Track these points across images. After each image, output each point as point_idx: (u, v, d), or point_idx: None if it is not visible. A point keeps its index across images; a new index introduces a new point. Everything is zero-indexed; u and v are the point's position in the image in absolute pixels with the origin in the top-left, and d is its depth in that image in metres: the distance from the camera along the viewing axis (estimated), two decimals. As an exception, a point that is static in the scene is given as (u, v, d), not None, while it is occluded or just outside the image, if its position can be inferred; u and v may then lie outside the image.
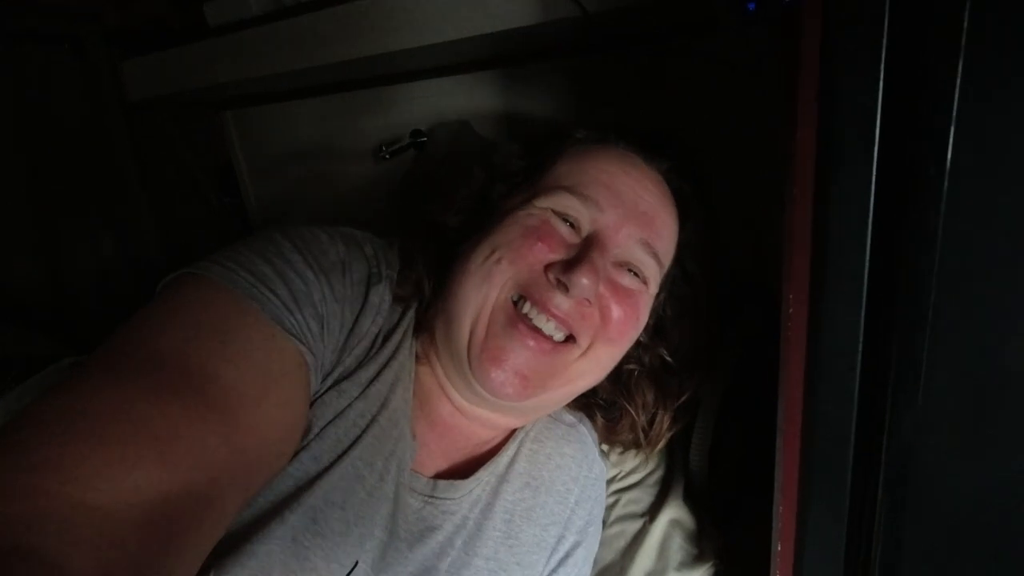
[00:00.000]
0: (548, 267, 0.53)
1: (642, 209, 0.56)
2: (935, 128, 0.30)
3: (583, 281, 0.51)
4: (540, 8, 0.69)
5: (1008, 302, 0.32)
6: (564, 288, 0.51)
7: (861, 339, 0.35)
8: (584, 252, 0.52)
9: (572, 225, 0.55)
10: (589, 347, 0.54)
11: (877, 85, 0.31)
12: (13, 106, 1.10)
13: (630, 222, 0.55)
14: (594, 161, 0.58)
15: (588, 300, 0.52)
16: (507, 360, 0.51)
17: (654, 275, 0.57)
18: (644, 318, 0.58)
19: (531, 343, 0.51)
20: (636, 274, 0.56)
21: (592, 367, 0.56)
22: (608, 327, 0.54)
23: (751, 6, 0.57)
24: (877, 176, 0.32)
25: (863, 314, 0.34)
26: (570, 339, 0.53)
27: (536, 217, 0.55)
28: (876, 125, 0.31)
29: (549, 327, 0.52)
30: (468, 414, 0.59)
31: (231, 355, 0.42)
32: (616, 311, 0.54)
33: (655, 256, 0.56)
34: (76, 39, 1.16)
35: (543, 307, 0.51)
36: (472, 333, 0.53)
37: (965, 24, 0.28)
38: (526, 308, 0.52)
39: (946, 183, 0.31)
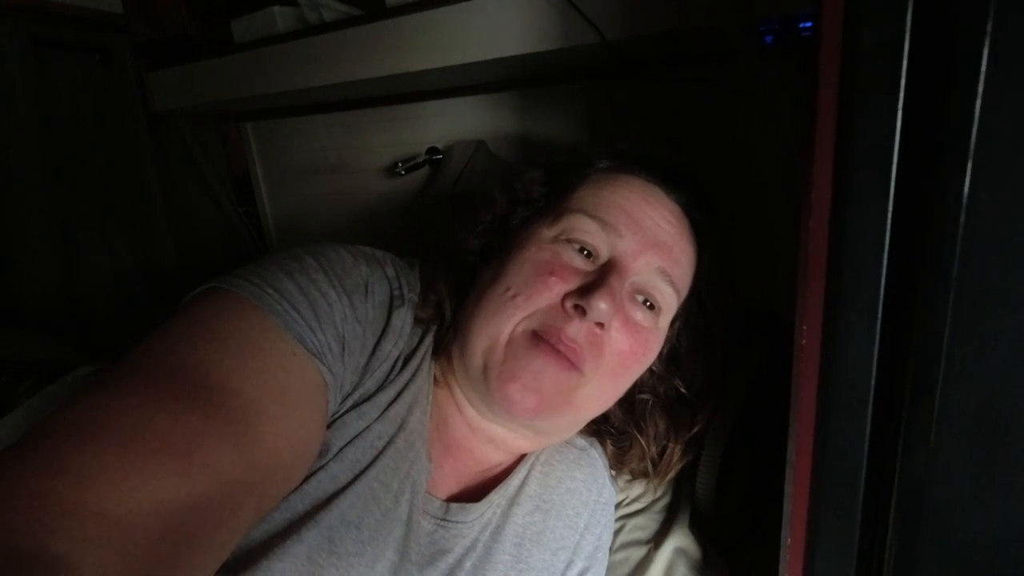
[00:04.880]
0: (565, 297, 0.52)
1: (661, 238, 0.56)
2: (953, 163, 0.30)
3: (601, 305, 0.50)
4: (561, 34, 0.70)
5: (1024, 341, 0.32)
6: (581, 312, 0.51)
7: (874, 374, 0.35)
8: (602, 277, 0.52)
9: (588, 254, 0.55)
10: (594, 378, 0.54)
11: (895, 118, 0.31)
12: (40, 112, 1.12)
13: (649, 250, 0.55)
14: (615, 188, 0.58)
15: (602, 325, 0.52)
16: (524, 378, 0.51)
17: (670, 305, 0.57)
18: (652, 353, 0.58)
19: (550, 359, 0.51)
20: (651, 306, 0.56)
21: (598, 397, 0.56)
22: (613, 360, 0.54)
23: (768, 39, 0.58)
24: (893, 210, 0.32)
25: (876, 349, 0.34)
26: (575, 365, 0.53)
27: (548, 251, 0.55)
28: (894, 158, 0.32)
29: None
30: (482, 435, 0.58)
31: (252, 371, 0.42)
32: (623, 344, 0.54)
33: (672, 285, 0.56)
34: (105, 50, 1.19)
35: (557, 339, 0.51)
36: (487, 361, 0.53)
37: (985, 55, 0.29)
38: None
39: (963, 218, 0.30)
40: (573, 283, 0.53)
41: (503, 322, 0.53)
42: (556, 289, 0.53)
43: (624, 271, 0.54)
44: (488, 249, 0.61)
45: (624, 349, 0.54)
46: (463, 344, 0.55)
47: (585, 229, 0.55)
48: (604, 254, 0.55)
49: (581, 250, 0.55)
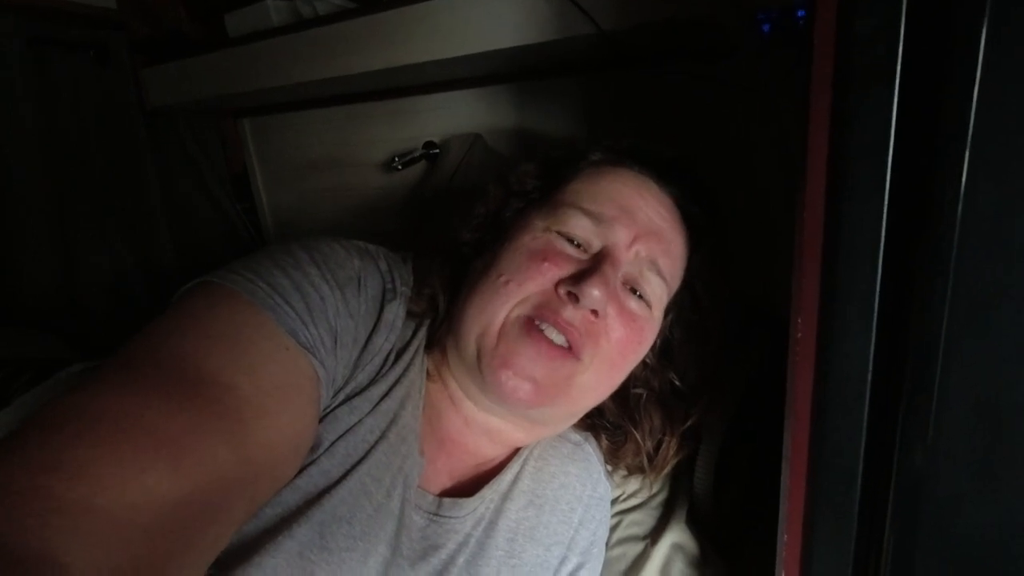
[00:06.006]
0: (558, 284, 0.53)
1: (653, 229, 0.56)
2: (951, 154, 0.30)
3: (594, 292, 0.50)
4: (557, 24, 0.70)
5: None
6: (575, 299, 0.51)
7: (871, 367, 0.34)
8: (595, 265, 0.53)
9: (579, 245, 0.55)
10: (591, 365, 0.54)
11: (891, 108, 0.30)
12: (39, 112, 1.12)
13: (640, 240, 0.55)
14: (608, 182, 0.58)
15: (596, 312, 0.52)
16: (517, 364, 0.51)
17: (661, 297, 0.57)
18: (647, 343, 0.58)
19: (543, 347, 0.51)
20: (643, 298, 0.56)
21: (595, 385, 0.56)
22: (611, 347, 0.54)
23: (765, 28, 0.57)
24: (889, 202, 0.31)
25: (873, 341, 0.34)
26: (573, 352, 0.53)
27: (541, 240, 0.55)
28: (889, 150, 0.31)
29: (560, 339, 0.52)
30: (477, 428, 0.58)
31: (245, 365, 0.42)
32: (619, 332, 0.54)
33: (663, 277, 0.56)
34: (101, 47, 1.18)
35: (553, 320, 0.51)
36: (480, 347, 0.53)
37: (983, 46, 0.28)
38: (538, 322, 0.52)
39: (960, 210, 0.30)
40: (566, 270, 0.53)
41: (496, 309, 0.53)
42: (549, 275, 0.53)
43: (616, 261, 0.54)
44: (482, 242, 0.61)
45: (621, 337, 0.54)
46: (457, 333, 0.55)
47: (577, 223, 0.55)
48: (596, 244, 0.55)
49: (573, 242, 0.55)
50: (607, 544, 0.66)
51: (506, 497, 0.58)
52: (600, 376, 0.55)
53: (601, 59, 0.86)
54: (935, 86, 0.29)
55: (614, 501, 0.69)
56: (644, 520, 0.68)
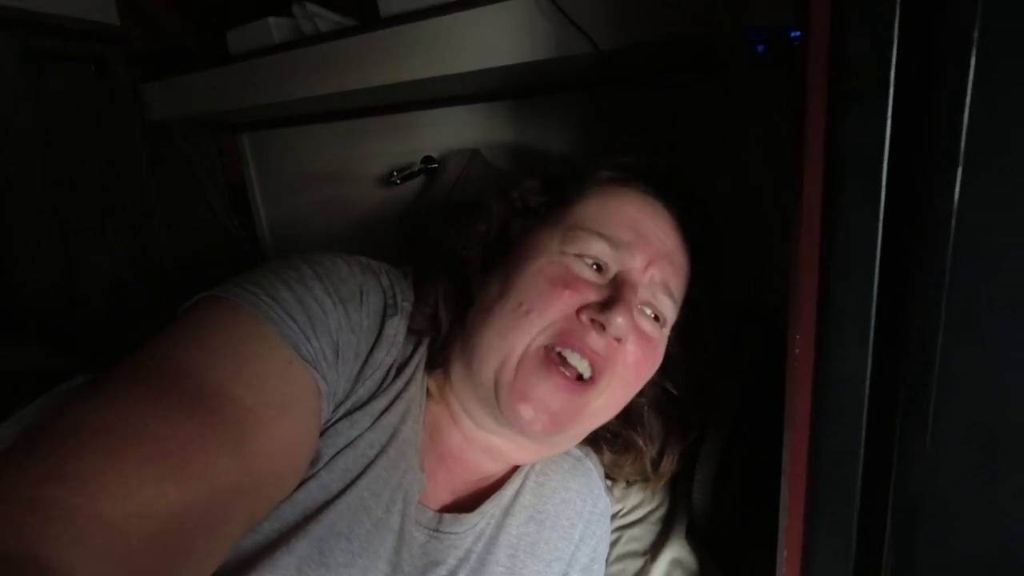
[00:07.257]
0: (580, 310, 0.53)
1: (664, 252, 0.57)
2: (943, 169, 0.30)
3: (619, 320, 0.51)
4: (554, 43, 0.71)
5: (1019, 345, 0.31)
6: (600, 327, 0.51)
7: (868, 382, 0.34)
8: (618, 293, 0.53)
9: (598, 267, 0.55)
10: (607, 390, 0.54)
11: (884, 127, 0.31)
12: (39, 120, 1.12)
13: (654, 265, 0.56)
14: (620, 204, 0.58)
15: (619, 339, 0.53)
16: (536, 397, 0.51)
17: (671, 316, 0.58)
18: (659, 362, 0.58)
19: (560, 381, 0.51)
20: (656, 317, 0.57)
21: (607, 407, 0.56)
22: (627, 370, 0.55)
23: (760, 48, 0.58)
24: (884, 214, 0.32)
25: (870, 356, 0.34)
26: (592, 380, 0.53)
27: (558, 264, 0.55)
28: (883, 167, 0.32)
29: (583, 365, 0.52)
30: (477, 445, 0.58)
31: (248, 378, 0.42)
32: (636, 354, 0.55)
33: (673, 298, 0.57)
34: (101, 61, 1.19)
35: (579, 347, 0.51)
36: (498, 379, 0.53)
37: (973, 60, 0.29)
38: (559, 350, 0.52)
39: (953, 224, 0.30)
40: (588, 297, 0.53)
41: (517, 339, 0.52)
42: (570, 302, 0.53)
43: (635, 286, 0.54)
44: (487, 260, 0.60)
45: (638, 360, 0.55)
46: (471, 361, 0.55)
47: (598, 250, 0.55)
48: (613, 268, 0.55)
49: (590, 265, 0.55)
50: (607, 560, 0.66)
51: (507, 512, 0.58)
52: (615, 398, 0.56)
53: (598, 76, 0.87)
54: (927, 103, 0.30)
55: (613, 516, 0.68)
56: (643, 536, 0.67)
